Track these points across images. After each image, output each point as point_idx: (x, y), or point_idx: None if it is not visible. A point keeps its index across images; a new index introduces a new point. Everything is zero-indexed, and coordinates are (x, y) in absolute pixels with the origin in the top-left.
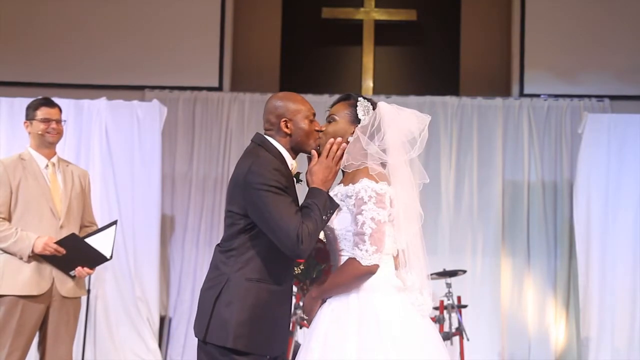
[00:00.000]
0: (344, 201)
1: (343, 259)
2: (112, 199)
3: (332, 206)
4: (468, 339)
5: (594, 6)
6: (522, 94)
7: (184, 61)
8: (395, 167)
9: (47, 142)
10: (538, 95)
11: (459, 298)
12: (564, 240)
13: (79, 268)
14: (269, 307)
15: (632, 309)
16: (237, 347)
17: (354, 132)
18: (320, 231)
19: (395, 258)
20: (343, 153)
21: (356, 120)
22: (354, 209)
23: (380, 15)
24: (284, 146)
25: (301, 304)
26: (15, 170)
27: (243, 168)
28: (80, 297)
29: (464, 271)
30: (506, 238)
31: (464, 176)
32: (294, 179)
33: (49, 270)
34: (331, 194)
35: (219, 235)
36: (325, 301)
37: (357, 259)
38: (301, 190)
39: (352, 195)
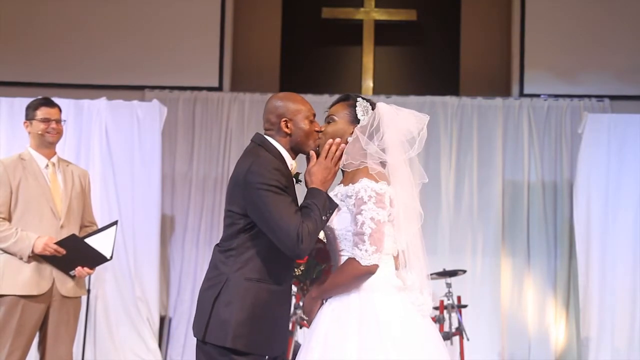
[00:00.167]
0: (344, 201)
1: (343, 259)
2: (112, 199)
3: (332, 206)
4: (468, 339)
5: (594, 6)
6: (522, 94)
7: (184, 61)
8: (394, 166)
9: (47, 142)
10: (538, 95)
11: (459, 298)
12: (564, 240)
13: (79, 268)
14: (269, 307)
15: (632, 309)
16: (236, 346)
17: (353, 132)
18: (320, 231)
19: (396, 258)
20: (342, 154)
21: (355, 121)
22: (353, 208)
23: (380, 15)
24: (283, 146)
25: (301, 304)
26: (15, 170)
27: (243, 168)
28: (80, 297)
29: (464, 271)
30: (506, 238)
31: (464, 176)
32: (294, 179)
33: (49, 270)
34: (331, 194)
35: (218, 235)
36: (325, 301)
37: (357, 259)
38: (300, 191)
39: (352, 195)
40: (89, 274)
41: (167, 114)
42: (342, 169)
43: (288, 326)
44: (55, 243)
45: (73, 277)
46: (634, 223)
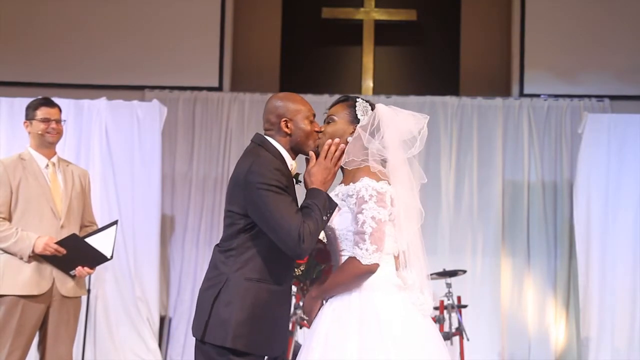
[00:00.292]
0: (344, 200)
1: (344, 259)
2: (112, 199)
3: (332, 206)
4: (468, 339)
5: (594, 6)
6: (522, 94)
7: (184, 61)
8: (395, 166)
9: (47, 142)
10: (538, 95)
11: (459, 298)
12: (564, 240)
13: (79, 268)
14: (269, 307)
15: (632, 309)
16: (236, 346)
17: (353, 132)
18: (320, 231)
19: (396, 258)
20: (341, 154)
21: (355, 120)
22: (354, 207)
23: (380, 15)
24: (283, 146)
25: (301, 304)
26: (15, 170)
27: (243, 168)
28: (80, 297)
29: (464, 271)
30: (506, 238)
31: (464, 176)
32: (294, 179)
33: (49, 270)
34: (332, 193)
35: (218, 235)
36: (326, 301)
37: (358, 258)
38: (300, 192)
39: (353, 194)
40: (89, 274)
41: (167, 114)
42: (342, 168)
43: (288, 326)
44: (56, 243)
45: (73, 276)
46: (634, 223)
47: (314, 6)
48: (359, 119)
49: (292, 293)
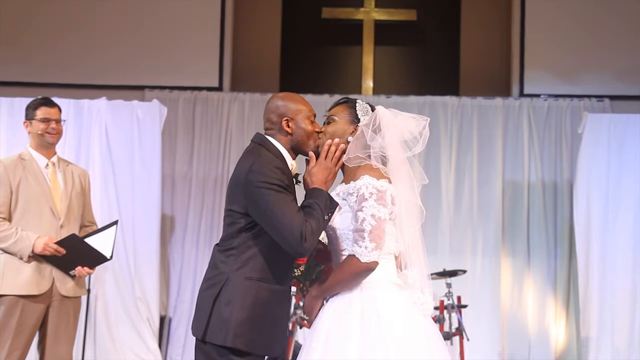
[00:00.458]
0: (346, 199)
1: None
2: (112, 199)
3: (333, 205)
4: (468, 339)
5: (594, 6)
6: (522, 94)
7: (184, 61)
8: (396, 164)
9: (47, 142)
10: (538, 95)
11: (459, 298)
12: (564, 240)
13: (79, 268)
14: (269, 307)
15: (632, 309)
16: (236, 346)
17: (353, 132)
18: (322, 230)
19: (397, 258)
20: (342, 154)
21: (355, 121)
22: (355, 205)
23: (380, 15)
24: (284, 146)
25: (301, 304)
26: (15, 170)
27: (244, 167)
28: (80, 297)
29: (464, 271)
30: (506, 238)
31: (464, 176)
32: (294, 179)
33: (49, 270)
34: (333, 193)
35: (218, 235)
36: (326, 301)
37: (357, 256)
38: (299, 192)
39: (353, 192)
40: (89, 274)
41: (167, 114)
42: (343, 168)
43: (288, 326)
44: (55, 243)
45: (73, 276)
46: (634, 223)
47: (313, 6)
48: (359, 119)
49: (292, 293)
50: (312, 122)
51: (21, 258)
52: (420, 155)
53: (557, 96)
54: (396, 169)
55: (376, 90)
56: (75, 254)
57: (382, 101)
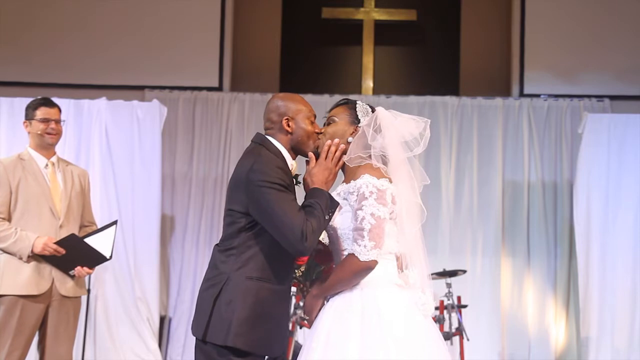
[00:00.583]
0: (346, 199)
1: None
2: (112, 199)
3: (333, 205)
4: (468, 339)
5: (594, 6)
6: (522, 94)
7: (184, 61)
8: (396, 165)
9: (46, 143)
10: (538, 95)
11: (459, 298)
12: (564, 240)
13: (79, 268)
14: (269, 306)
15: (632, 309)
16: (237, 345)
17: (353, 132)
18: (323, 229)
19: (398, 258)
20: (342, 154)
21: (356, 121)
22: (355, 204)
23: (380, 15)
24: (284, 146)
25: (301, 304)
26: (14, 170)
27: (245, 166)
28: (80, 297)
29: (464, 271)
30: (506, 238)
31: (464, 176)
32: (294, 179)
33: (49, 270)
34: (334, 193)
35: (218, 235)
36: (327, 301)
37: (356, 254)
38: (299, 194)
39: (354, 192)
40: (89, 274)
41: (167, 114)
42: (343, 168)
43: (288, 326)
44: (55, 243)
45: (73, 276)
46: (634, 223)
47: (314, 6)
48: (359, 120)
49: (292, 293)
50: (312, 123)
51: (21, 258)
52: (420, 155)
53: (557, 96)
54: (397, 168)
55: (376, 90)
56: (74, 254)
57: (382, 101)
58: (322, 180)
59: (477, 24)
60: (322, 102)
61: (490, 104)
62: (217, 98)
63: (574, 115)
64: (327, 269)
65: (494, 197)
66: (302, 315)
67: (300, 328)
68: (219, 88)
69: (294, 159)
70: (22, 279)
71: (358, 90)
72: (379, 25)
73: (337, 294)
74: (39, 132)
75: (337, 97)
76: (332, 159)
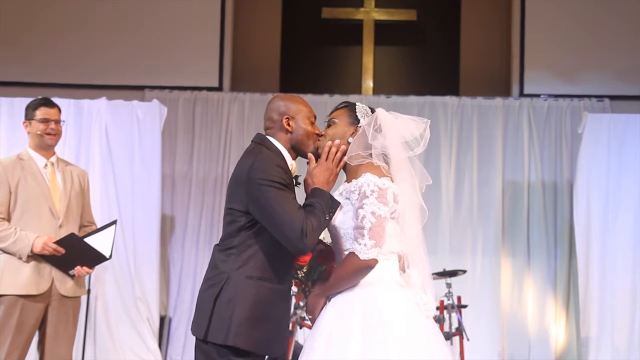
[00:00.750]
0: (349, 198)
1: None
2: (112, 199)
3: (334, 205)
4: (468, 339)
5: (594, 6)
6: (522, 94)
7: (184, 61)
8: (398, 165)
9: (46, 144)
10: (538, 95)
11: (459, 298)
12: (564, 240)
13: (78, 267)
14: (269, 306)
15: (632, 309)
16: (237, 344)
17: (353, 133)
18: (323, 229)
19: (400, 258)
20: (343, 155)
21: (355, 122)
22: (357, 203)
23: (380, 15)
24: (284, 145)
25: (301, 304)
26: (14, 170)
27: (245, 165)
28: (80, 297)
29: (464, 271)
30: (506, 238)
31: (464, 176)
32: (294, 179)
33: (49, 270)
34: (336, 192)
35: (218, 235)
36: (329, 300)
37: (356, 253)
38: (299, 195)
39: (355, 190)
40: (88, 273)
41: (167, 114)
42: (344, 169)
43: (288, 326)
44: (54, 242)
45: (72, 276)
46: (634, 223)
47: (314, 6)
48: (359, 120)
49: (293, 293)
50: (312, 124)
51: (20, 258)
52: (420, 155)
53: (557, 96)
54: (398, 168)
55: (376, 91)
56: (74, 254)
57: (382, 101)
58: (323, 181)
59: (477, 24)
60: (322, 102)
61: (490, 104)
62: (217, 98)
63: (574, 115)
64: (329, 269)
65: (494, 197)
66: (302, 315)
67: (300, 328)
68: (219, 88)
69: (294, 159)
70: (22, 278)
71: (358, 90)
72: (379, 25)
73: (339, 293)
74: (38, 132)
75: (337, 97)
76: (333, 160)
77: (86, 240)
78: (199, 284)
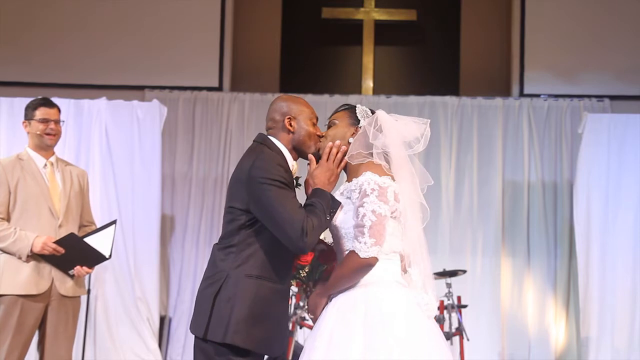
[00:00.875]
0: (349, 197)
1: None
2: (112, 199)
3: (335, 205)
4: (468, 339)
5: (594, 6)
6: (522, 94)
7: (184, 61)
8: (399, 164)
9: (45, 144)
10: (538, 95)
11: (459, 298)
12: (564, 240)
13: (78, 267)
14: (269, 305)
15: (632, 309)
16: (235, 342)
17: (353, 134)
18: (323, 228)
19: (402, 257)
20: (344, 156)
21: (356, 123)
22: (357, 202)
23: (380, 15)
24: (285, 145)
25: (301, 304)
26: (13, 170)
27: (246, 164)
28: (79, 297)
29: (464, 271)
30: (506, 238)
31: (464, 176)
32: (294, 180)
33: (48, 270)
34: (337, 192)
35: (218, 235)
36: (330, 300)
37: (356, 251)
38: (300, 196)
39: (355, 189)
40: (88, 273)
41: (167, 114)
42: (345, 169)
43: (288, 326)
44: (54, 242)
45: (72, 276)
46: (634, 223)
47: (314, 6)
48: (359, 121)
49: (293, 293)
50: (314, 125)
51: (20, 258)
52: (420, 155)
53: (557, 96)
54: (399, 167)
55: (376, 90)
56: (74, 254)
57: (382, 101)
58: (324, 182)
59: (477, 24)
60: (322, 102)
61: (490, 104)
62: (217, 98)
63: (574, 115)
64: (330, 269)
65: (494, 197)
66: (303, 315)
67: (300, 328)
68: (219, 88)
69: (295, 159)
70: (22, 278)
71: (358, 90)
72: (379, 25)
73: (340, 293)
74: (38, 133)
75: (337, 97)
76: (334, 161)
77: (86, 240)
78: (199, 284)
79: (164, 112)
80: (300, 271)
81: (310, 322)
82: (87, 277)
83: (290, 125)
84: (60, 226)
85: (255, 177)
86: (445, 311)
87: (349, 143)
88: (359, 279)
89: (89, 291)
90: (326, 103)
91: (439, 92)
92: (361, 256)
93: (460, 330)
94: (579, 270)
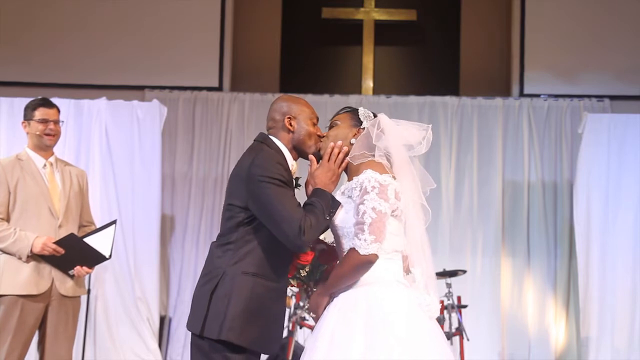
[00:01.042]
0: (351, 196)
1: None
2: (112, 199)
3: (335, 205)
4: (468, 339)
5: (594, 6)
6: (522, 94)
7: (184, 61)
8: (400, 166)
9: (45, 145)
10: (538, 95)
11: (459, 298)
12: (564, 240)
13: (78, 267)
14: (264, 303)
15: (632, 309)
16: (230, 339)
17: (355, 135)
18: (322, 228)
19: (405, 259)
20: (345, 156)
21: (358, 124)
22: (358, 200)
23: (380, 15)
24: (285, 145)
25: (302, 304)
26: (13, 170)
27: (246, 162)
28: (79, 297)
29: (464, 271)
30: (506, 238)
31: (464, 176)
32: (294, 181)
33: (48, 270)
34: (338, 192)
35: None
36: (332, 299)
37: (356, 248)
38: (300, 197)
39: (356, 187)
40: (88, 273)
41: (167, 114)
42: (346, 170)
43: (283, 325)
44: (54, 242)
45: (72, 276)
46: (634, 223)
47: (314, 6)
48: (361, 122)
49: (293, 293)
50: (314, 125)
51: (20, 258)
52: (420, 155)
53: (557, 96)
54: (401, 169)
55: (376, 90)
56: (74, 254)
57: (382, 101)
58: (325, 182)
59: (477, 24)
60: (322, 102)
61: (490, 104)
62: (217, 98)
63: (574, 115)
64: (330, 268)
65: (494, 197)
66: (303, 315)
67: (301, 328)
68: (219, 88)
69: (295, 159)
70: (22, 278)
71: (358, 90)
72: (379, 25)
73: (341, 292)
74: (37, 133)
75: (337, 97)
76: (335, 161)
77: (86, 240)
78: None
79: (164, 112)
80: (301, 271)
81: (310, 322)
82: (87, 277)
83: (291, 124)
84: (60, 226)
85: (254, 174)
86: (445, 311)
87: (351, 144)
88: (360, 277)
89: (89, 291)
90: (326, 103)
91: (439, 92)
92: (361, 253)
93: (460, 330)
94: (579, 270)
